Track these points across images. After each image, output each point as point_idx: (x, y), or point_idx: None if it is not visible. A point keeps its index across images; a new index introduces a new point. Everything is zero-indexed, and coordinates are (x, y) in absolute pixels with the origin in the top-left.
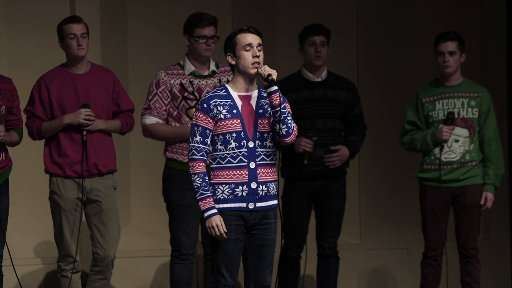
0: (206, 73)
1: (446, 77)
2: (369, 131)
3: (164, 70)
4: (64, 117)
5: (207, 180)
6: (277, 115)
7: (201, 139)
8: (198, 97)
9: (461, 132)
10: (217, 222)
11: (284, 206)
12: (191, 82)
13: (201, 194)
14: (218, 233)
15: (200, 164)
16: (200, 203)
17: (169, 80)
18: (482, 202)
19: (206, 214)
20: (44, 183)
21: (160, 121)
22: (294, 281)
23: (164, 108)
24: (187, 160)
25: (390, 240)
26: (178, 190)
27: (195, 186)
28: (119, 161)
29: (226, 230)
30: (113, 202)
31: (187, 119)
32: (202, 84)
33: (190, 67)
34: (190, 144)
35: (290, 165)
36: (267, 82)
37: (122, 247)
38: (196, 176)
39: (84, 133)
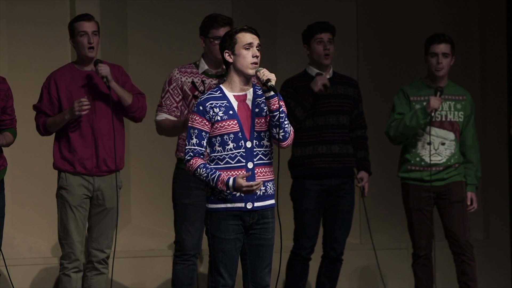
0: (219, 73)
1: (435, 79)
2: (369, 131)
3: (178, 68)
4: (65, 113)
5: (209, 166)
6: (275, 120)
7: (198, 142)
8: None
9: (448, 135)
10: (243, 184)
11: (297, 206)
12: (203, 81)
13: (213, 179)
14: (253, 189)
15: (197, 160)
16: (219, 186)
17: (181, 78)
18: (469, 203)
19: (231, 187)
20: (44, 182)
21: (170, 117)
22: (303, 283)
23: (175, 105)
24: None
25: (390, 240)
26: (184, 189)
27: (203, 178)
28: None
29: (255, 184)
30: (116, 201)
31: None
32: (214, 83)
33: (203, 66)
34: (187, 147)
35: (300, 163)
36: (265, 87)
37: (122, 247)
38: (198, 169)
39: (105, 79)
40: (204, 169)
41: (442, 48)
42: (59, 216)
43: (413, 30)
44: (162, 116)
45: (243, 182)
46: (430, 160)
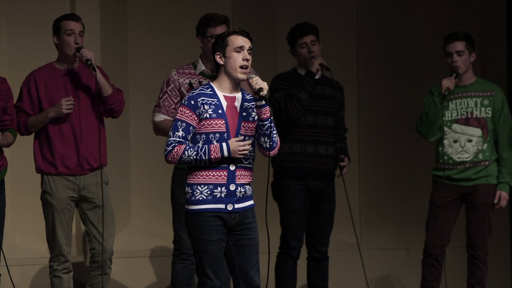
0: (216, 73)
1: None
2: (369, 131)
3: (176, 69)
4: (48, 111)
5: (193, 146)
6: (264, 129)
7: (183, 135)
8: None
9: (475, 131)
10: (237, 145)
11: (284, 207)
12: (200, 82)
13: (204, 153)
14: (247, 149)
15: (181, 145)
16: (212, 156)
17: (179, 79)
18: (496, 201)
19: (225, 153)
20: None
21: (169, 118)
22: (294, 283)
23: (173, 106)
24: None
25: (390, 240)
26: (182, 189)
27: (193, 157)
28: (119, 161)
29: (248, 147)
30: (106, 197)
31: None
32: None
33: (201, 66)
34: (170, 138)
35: (286, 160)
36: (257, 95)
37: (122, 247)
38: (186, 151)
39: (89, 62)
40: (191, 149)
41: (455, 46)
42: (45, 220)
43: (413, 30)
44: (161, 117)
45: (238, 143)
46: (444, 150)
